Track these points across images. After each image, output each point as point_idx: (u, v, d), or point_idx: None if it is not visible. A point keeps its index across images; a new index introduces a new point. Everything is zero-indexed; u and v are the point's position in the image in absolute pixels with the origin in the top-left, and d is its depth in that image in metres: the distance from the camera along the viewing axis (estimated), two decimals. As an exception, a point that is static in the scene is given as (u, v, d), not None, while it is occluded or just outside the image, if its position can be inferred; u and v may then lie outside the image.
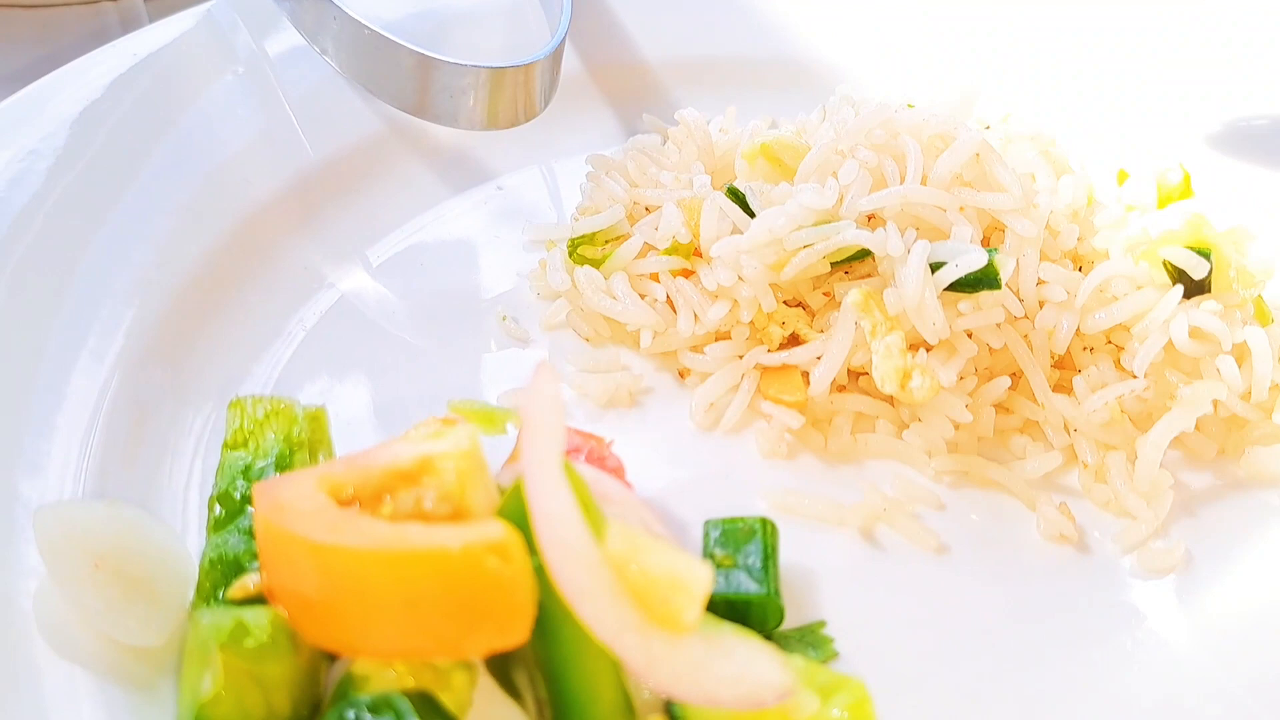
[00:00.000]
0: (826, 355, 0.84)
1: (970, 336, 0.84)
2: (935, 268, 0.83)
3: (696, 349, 0.90)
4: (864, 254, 0.86)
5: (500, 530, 0.58)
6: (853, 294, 0.83)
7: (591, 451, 0.77)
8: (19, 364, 0.77)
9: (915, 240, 0.84)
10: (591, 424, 0.86)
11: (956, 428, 0.82)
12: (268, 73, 1.06)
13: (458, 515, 0.62)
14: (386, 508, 0.63)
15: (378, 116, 1.07)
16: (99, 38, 1.22)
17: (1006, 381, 0.84)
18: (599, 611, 0.55)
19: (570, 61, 1.15)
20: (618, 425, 0.86)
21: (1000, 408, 0.85)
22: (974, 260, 0.81)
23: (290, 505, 0.62)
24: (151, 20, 1.26)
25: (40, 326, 0.81)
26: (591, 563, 0.55)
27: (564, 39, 1.04)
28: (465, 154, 1.09)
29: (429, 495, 0.63)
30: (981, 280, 0.82)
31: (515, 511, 0.61)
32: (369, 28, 0.97)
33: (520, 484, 0.61)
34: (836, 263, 0.87)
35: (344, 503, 0.64)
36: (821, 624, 0.73)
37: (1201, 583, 0.78)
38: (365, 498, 0.64)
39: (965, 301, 0.83)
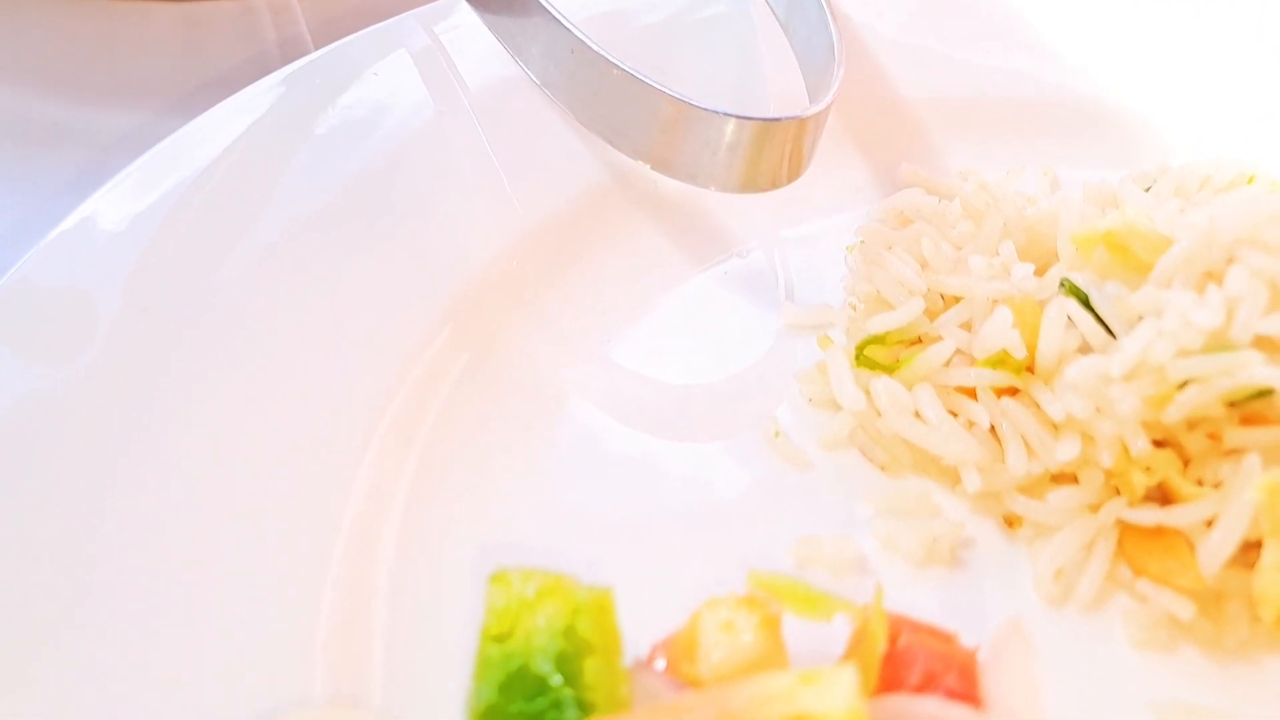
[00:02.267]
0: (1222, 523, 0.66)
1: None
2: (1374, 422, 0.64)
3: (1028, 491, 0.72)
4: (1265, 392, 0.67)
5: None
6: (1257, 474, 0.64)
7: (942, 658, 0.59)
8: (217, 531, 0.61)
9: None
10: (905, 590, 0.68)
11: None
12: (467, 109, 0.89)
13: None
14: (760, 792, 0.46)
15: (596, 168, 0.89)
16: (249, 38, 1.06)
17: None
18: None
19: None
20: (939, 591, 0.69)
21: None
22: None
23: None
24: (304, 15, 1.10)
25: (231, 471, 0.65)
26: None
27: (839, 85, 0.86)
28: (691, 214, 0.91)
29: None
30: None
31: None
32: (618, 66, 0.79)
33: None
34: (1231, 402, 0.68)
35: (697, 778, 0.47)
36: None
37: None
38: (722, 768, 0.48)
39: None
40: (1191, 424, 0.70)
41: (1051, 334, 0.72)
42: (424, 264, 0.79)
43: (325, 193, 0.81)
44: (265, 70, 0.88)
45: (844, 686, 0.48)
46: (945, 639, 0.60)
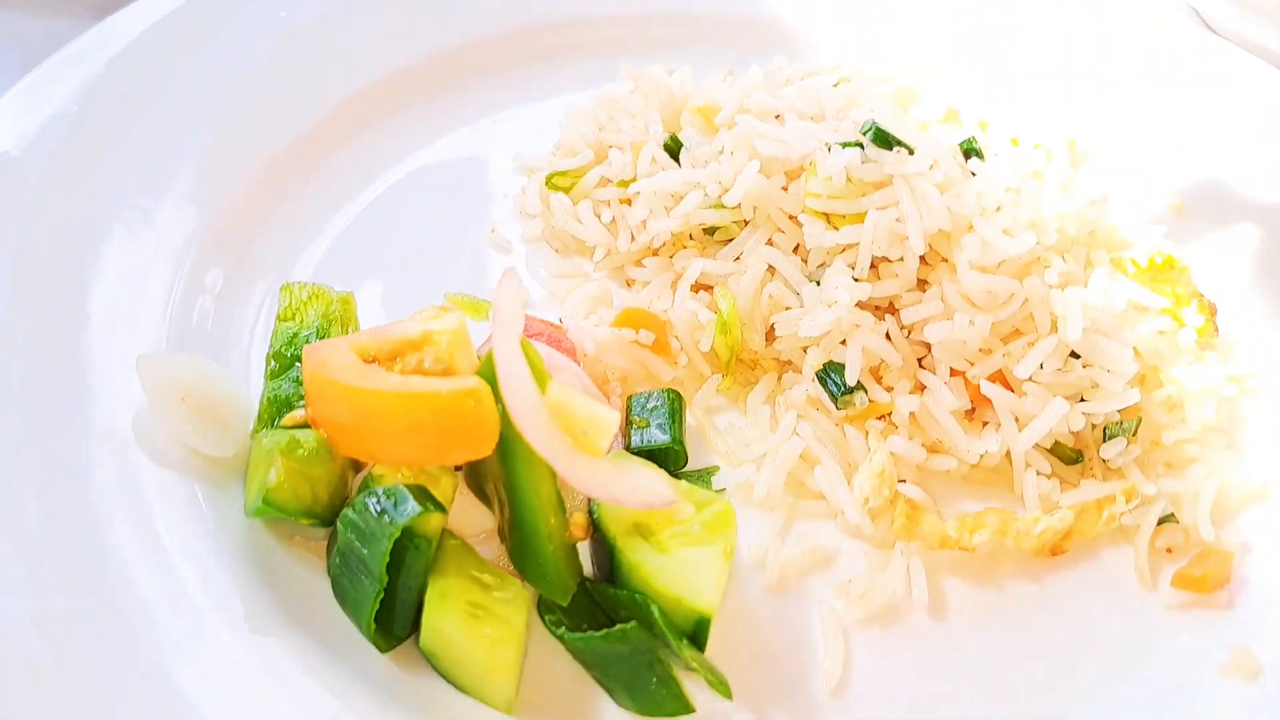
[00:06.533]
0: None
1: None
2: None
3: (636, 263, 1.15)
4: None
5: (476, 382, 0.84)
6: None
7: (550, 336, 1.03)
8: (114, 257, 1.03)
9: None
10: (557, 313, 1.11)
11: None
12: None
13: (448, 373, 0.88)
14: (398, 365, 0.89)
15: (391, 60, 1.30)
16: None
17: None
18: (541, 438, 0.81)
19: (562, 10, 1.39)
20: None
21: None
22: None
23: (331, 361, 0.88)
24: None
25: (119, 230, 1.05)
26: (536, 405, 0.82)
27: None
28: (467, 93, 1.33)
29: (428, 358, 0.88)
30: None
31: (488, 372, 0.87)
32: None
33: (491, 353, 0.87)
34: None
35: (368, 361, 0.90)
36: (714, 469, 1.00)
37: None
38: (383, 358, 0.90)
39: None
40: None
41: (642, 165, 1.15)
42: (261, 119, 1.20)
43: (186, 73, 1.20)
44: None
45: (452, 317, 0.91)
46: (549, 324, 1.04)
